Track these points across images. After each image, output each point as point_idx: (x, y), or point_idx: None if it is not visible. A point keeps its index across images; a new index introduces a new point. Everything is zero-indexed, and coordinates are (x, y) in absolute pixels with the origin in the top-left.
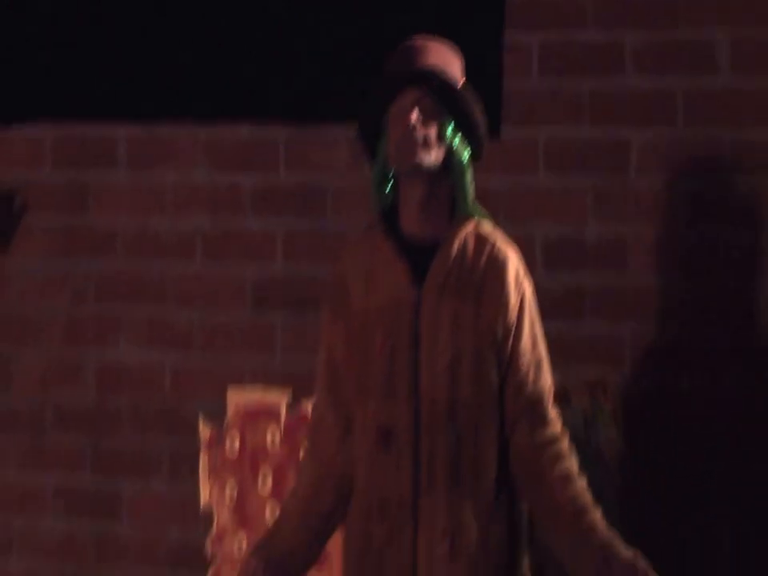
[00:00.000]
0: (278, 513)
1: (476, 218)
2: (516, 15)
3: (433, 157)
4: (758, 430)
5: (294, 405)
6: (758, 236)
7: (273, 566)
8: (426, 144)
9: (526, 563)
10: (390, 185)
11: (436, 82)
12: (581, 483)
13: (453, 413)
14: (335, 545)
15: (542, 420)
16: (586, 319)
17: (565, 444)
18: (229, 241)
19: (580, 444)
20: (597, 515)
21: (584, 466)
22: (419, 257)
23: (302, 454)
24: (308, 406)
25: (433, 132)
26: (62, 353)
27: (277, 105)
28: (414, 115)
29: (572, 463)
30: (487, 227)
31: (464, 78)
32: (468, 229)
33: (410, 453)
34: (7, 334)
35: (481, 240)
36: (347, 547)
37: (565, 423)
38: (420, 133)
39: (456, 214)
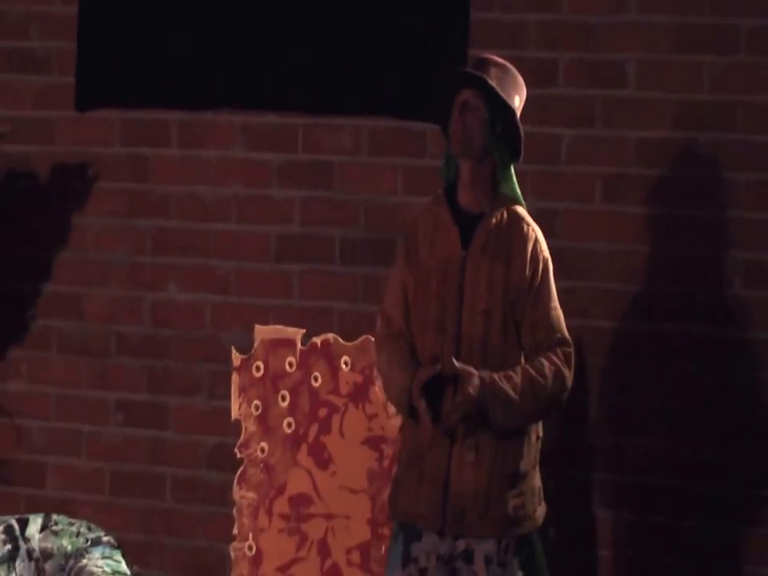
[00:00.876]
0: (387, 362)
1: (513, 200)
2: (476, 37)
3: (473, 137)
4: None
5: (306, 338)
6: (674, 211)
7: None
8: (467, 129)
9: (537, 478)
10: (452, 165)
11: (491, 89)
12: (538, 372)
13: (485, 350)
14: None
15: (551, 350)
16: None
17: (558, 364)
18: (257, 206)
19: None
20: (520, 376)
21: None
22: (469, 224)
23: (376, 340)
24: (318, 341)
25: (475, 118)
26: (125, 292)
27: (297, 98)
28: (461, 108)
29: (549, 372)
30: (520, 209)
31: (520, 102)
32: (505, 207)
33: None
34: (81, 277)
35: (513, 217)
36: (403, 447)
37: None
38: (464, 121)
39: (498, 194)
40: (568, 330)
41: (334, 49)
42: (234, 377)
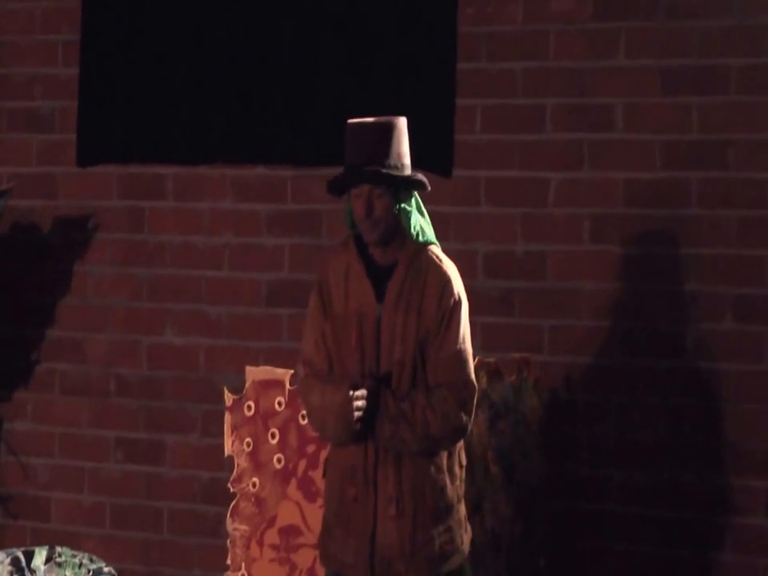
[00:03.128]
0: (319, 396)
1: (426, 244)
2: (464, 86)
3: (384, 228)
4: (641, 393)
5: (295, 379)
6: (649, 251)
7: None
8: (377, 224)
9: (462, 509)
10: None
11: (381, 179)
12: (430, 404)
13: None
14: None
15: (450, 391)
16: (515, 314)
17: (452, 404)
18: (249, 253)
19: (509, 411)
20: (410, 402)
21: (513, 428)
22: (382, 273)
23: (300, 384)
24: None
25: (382, 210)
26: (123, 337)
27: (285, 152)
28: (365, 207)
29: (447, 408)
30: (432, 249)
31: (405, 143)
32: (417, 252)
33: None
34: (82, 322)
35: (425, 261)
36: (328, 494)
37: (497, 393)
38: (371, 219)
39: (408, 242)
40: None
41: (322, 103)
42: (227, 416)
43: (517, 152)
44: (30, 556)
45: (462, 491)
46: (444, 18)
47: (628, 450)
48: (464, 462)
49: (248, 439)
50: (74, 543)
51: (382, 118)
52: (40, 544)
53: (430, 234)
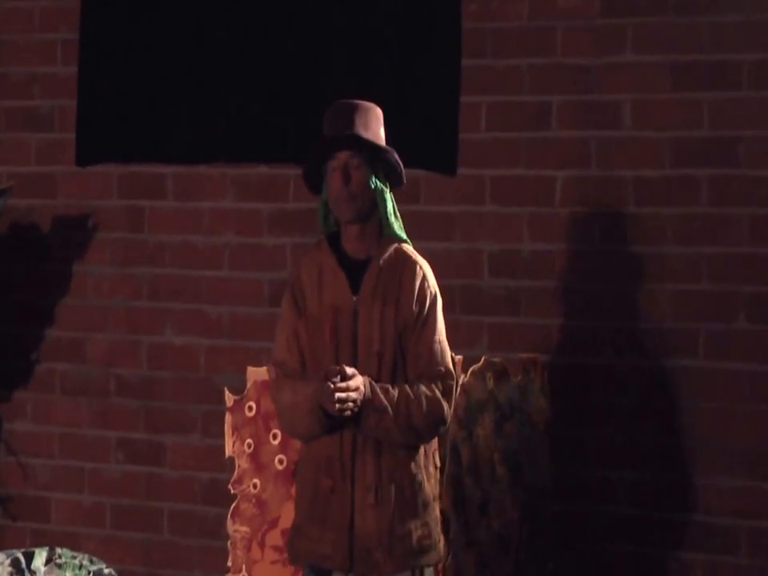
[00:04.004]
0: (291, 393)
1: (399, 239)
2: (469, 83)
3: (360, 204)
4: (650, 399)
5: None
6: (649, 252)
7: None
8: (354, 198)
9: (437, 509)
10: (332, 217)
11: (358, 144)
12: (415, 395)
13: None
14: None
15: (432, 381)
16: (522, 314)
17: (436, 393)
18: (249, 253)
19: (515, 412)
20: (397, 391)
21: (519, 429)
22: (356, 269)
23: (271, 385)
24: None
25: (359, 184)
26: (123, 337)
27: (286, 151)
28: (341, 177)
29: (430, 398)
30: (405, 247)
31: (384, 131)
32: (391, 248)
33: (351, 423)
34: (82, 322)
35: (400, 256)
36: (300, 491)
37: (503, 394)
38: (348, 190)
39: (382, 237)
40: (575, 368)
41: (323, 101)
42: (228, 416)
43: (523, 150)
44: (30, 557)
45: (437, 492)
46: (448, 14)
47: (635, 451)
48: (438, 464)
49: (249, 440)
50: (74, 544)
51: (359, 100)
52: (40, 545)
53: (403, 233)
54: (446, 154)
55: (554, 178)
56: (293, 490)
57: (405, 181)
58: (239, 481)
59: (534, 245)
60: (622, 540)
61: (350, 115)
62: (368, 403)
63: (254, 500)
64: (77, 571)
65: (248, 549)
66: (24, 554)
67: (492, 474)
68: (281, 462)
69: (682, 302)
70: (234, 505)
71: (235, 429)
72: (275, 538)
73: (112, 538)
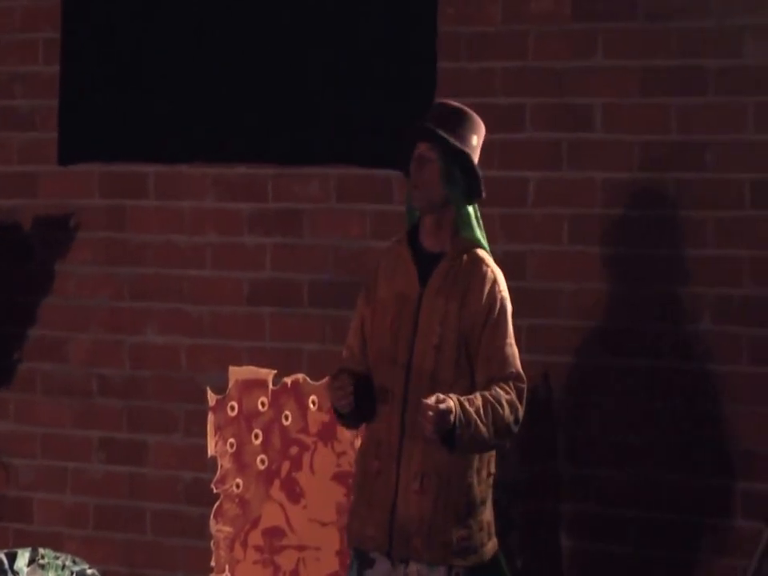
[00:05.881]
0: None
1: (474, 243)
2: (444, 85)
3: (430, 194)
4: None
5: (278, 379)
6: (627, 252)
7: (354, 379)
8: (422, 186)
9: (487, 514)
10: (415, 211)
11: (444, 140)
12: (496, 400)
13: (433, 382)
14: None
15: (506, 382)
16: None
17: (512, 395)
18: (230, 252)
19: None
20: (480, 401)
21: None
22: (429, 263)
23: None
24: (288, 381)
25: (430, 174)
26: (105, 336)
27: (266, 151)
28: (415, 165)
29: (510, 399)
30: (481, 252)
31: (478, 141)
32: (465, 249)
33: (399, 408)
34: (64, 322)
35: (473, 259)
36: (355, 473)
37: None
38: (419, 178)
39: (458, 237)
40: (536, 366)
41: (302, 101)
42: (210, 416)
43: (496, 151)
44: (12, 558)
45: (487, 497)
46: (424, 18)
47: (607, 450)
48: (493, 471)
49: (231, 440)
50: (57, 544)
51: (466, 108)
52: (23, 545)
53: (483, 239)
54: None
55: (526, 179)
56: (271, 491)
57: (484, 190)
58: (222, 480)
59: (507, 245)
60: (594, 539)
61: (445, 114)
62: (459, 419)
63: (236, 500)
64: (60, 572)
65: (231, 549)
66: (7, 554)
67: None
68: (263, 461)
69: (651, 303)
70: (216, 505)
71: (218, 428)
72: (257, 537)
73: (95, 538)
